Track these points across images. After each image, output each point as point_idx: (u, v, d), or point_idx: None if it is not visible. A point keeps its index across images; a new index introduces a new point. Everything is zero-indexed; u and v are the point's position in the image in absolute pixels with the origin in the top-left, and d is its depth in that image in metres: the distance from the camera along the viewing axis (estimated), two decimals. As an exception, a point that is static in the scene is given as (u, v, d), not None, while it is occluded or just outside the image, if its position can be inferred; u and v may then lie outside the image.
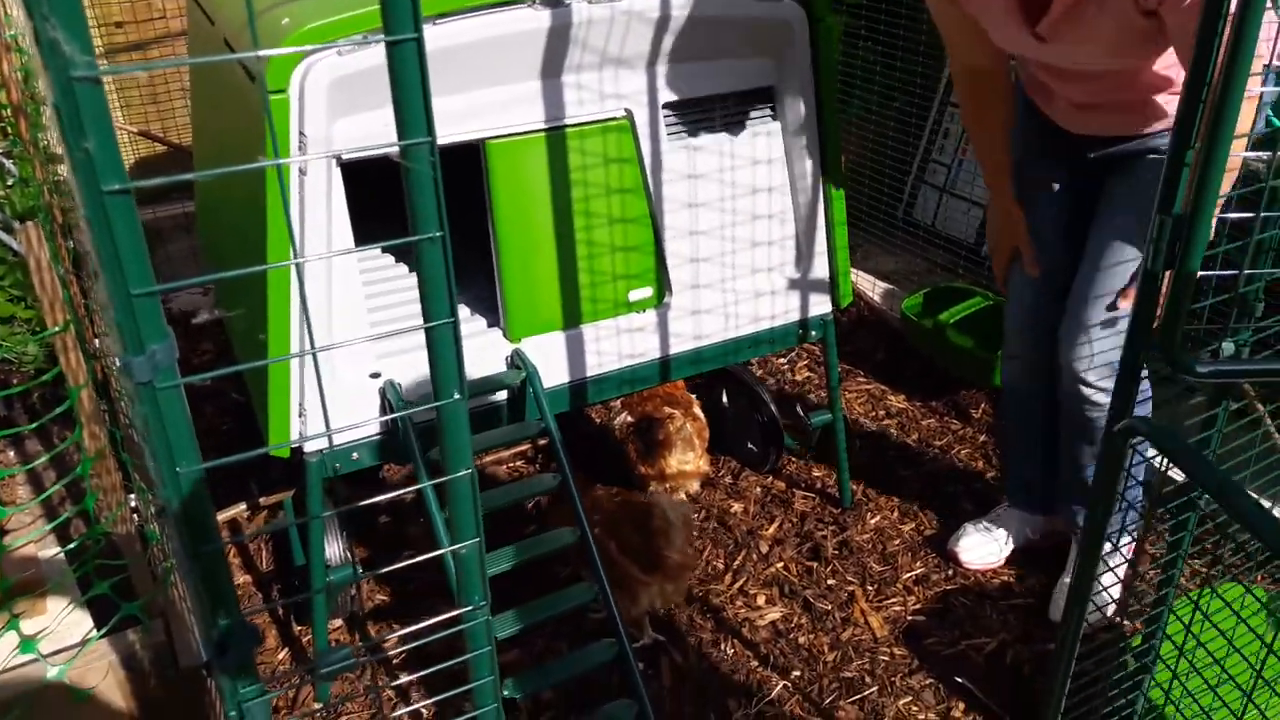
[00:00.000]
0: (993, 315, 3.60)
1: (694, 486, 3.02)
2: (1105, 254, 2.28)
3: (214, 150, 2.79)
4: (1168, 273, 1.26)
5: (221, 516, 2.79)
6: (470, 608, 0.96)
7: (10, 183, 3.57)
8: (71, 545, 1.79)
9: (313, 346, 2.05)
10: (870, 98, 4.50)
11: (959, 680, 2.54)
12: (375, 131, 2.06)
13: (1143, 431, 1.29)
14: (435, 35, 2.01)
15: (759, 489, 3.23)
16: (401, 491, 3.03)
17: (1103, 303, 2.29)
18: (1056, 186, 2.45)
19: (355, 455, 2.28)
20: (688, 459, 2.85)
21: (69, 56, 0.62)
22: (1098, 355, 2.33)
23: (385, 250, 2.86)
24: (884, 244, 4.56)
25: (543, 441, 2.76)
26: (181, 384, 0.75)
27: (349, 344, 2.16)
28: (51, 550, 2.15)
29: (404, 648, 2.44)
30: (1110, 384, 2.32)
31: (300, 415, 2.16)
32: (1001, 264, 2.61)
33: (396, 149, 0.75)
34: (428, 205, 0.79)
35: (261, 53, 0.93)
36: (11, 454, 3.03)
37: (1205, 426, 1.60)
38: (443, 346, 0.85)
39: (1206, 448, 1.63)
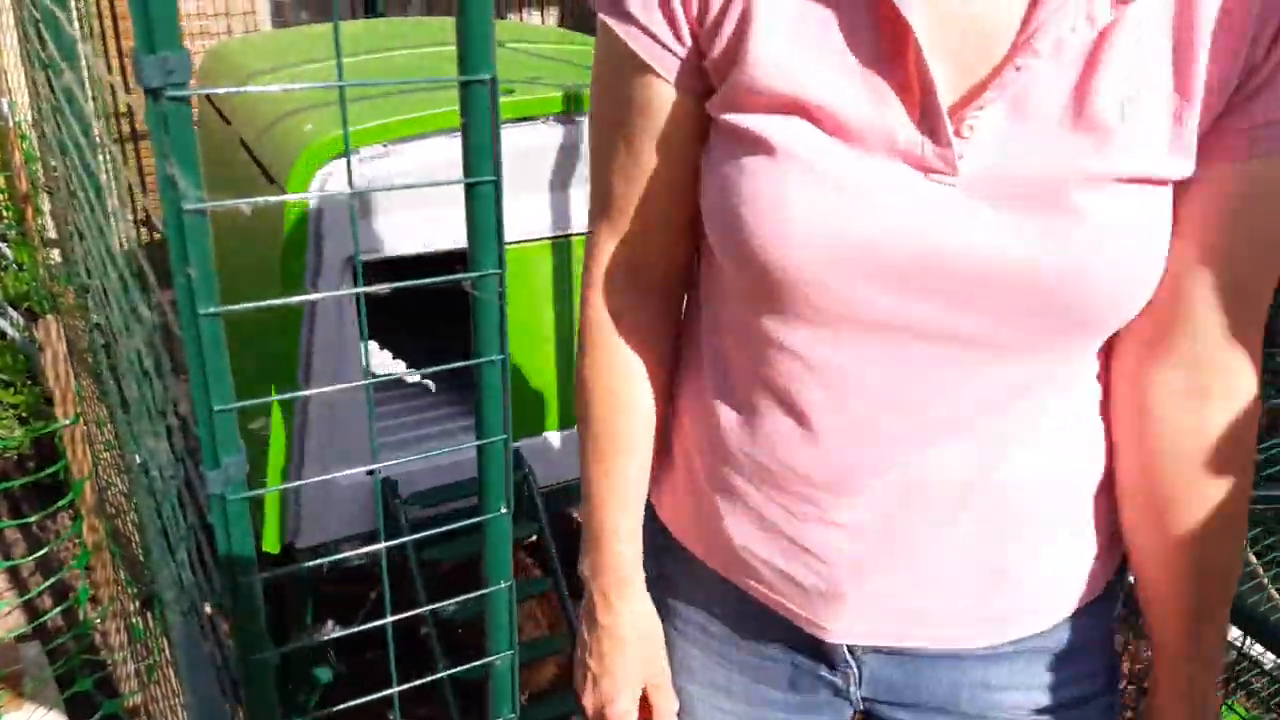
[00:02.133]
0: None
1: None
2: None
3: (224, 250, 2.84)
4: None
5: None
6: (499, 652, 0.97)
7: (5, 265, 3.59)
8: (69, 635, 1.76)
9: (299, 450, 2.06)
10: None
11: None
12: (391, 232, 2.12)
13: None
14: (455, 145, 2.09)
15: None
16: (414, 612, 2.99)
17: None
18: None
19: (348, 553, 2.27)
20: None
21: (183, 191, 0.67)
22: None
23: (388, 350, 2.90)
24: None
25: (532, 539, 2.77)
26: (249, 497, 0.78)
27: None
28: (30, 645, 2.10)
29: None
30: None
31: (295, 511, 2.16)
32: None
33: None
34: (491, 331, 0.83)
35: (328, 193, 0.98)
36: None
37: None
38: (494, 463, 0.88)
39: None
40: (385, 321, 2.83)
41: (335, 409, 2.17)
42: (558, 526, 3.42)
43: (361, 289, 0.79)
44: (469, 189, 0.79)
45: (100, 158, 1.51)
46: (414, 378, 2.85)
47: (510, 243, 2.25)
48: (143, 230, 4.84)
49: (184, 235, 0.68)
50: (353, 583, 3.06)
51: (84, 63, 1.56)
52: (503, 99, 2.14)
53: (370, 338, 2.70)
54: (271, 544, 2.14)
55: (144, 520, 2.00)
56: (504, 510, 0.91)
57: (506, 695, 0.97)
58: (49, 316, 1.76)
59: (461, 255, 2.21)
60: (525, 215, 2.25)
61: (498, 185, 0.80)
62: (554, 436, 2.45)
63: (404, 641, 2.87)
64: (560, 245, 2.30)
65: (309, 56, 2.63)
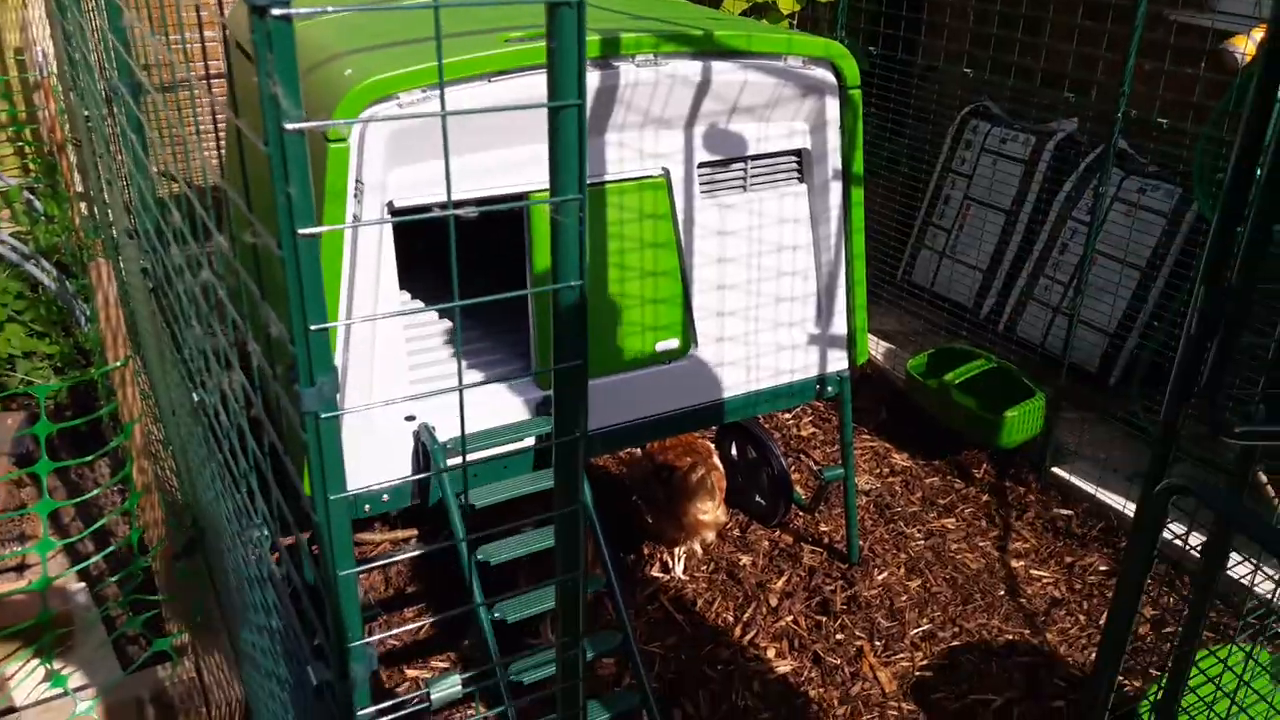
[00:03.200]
0: (996, 377, 3.68)
1: (711, 535, 3.05)
2: None
3: (259, 197, 2.84)
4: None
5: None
6: (568, 638, 1.00)
7: (36, 217, 3.61)
8: (115, 578, 1.80)
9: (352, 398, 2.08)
10: (877, 162, 4.63)
11: (970, 737, 2.57)
12: (427, 179, 2.12)
13: (1189, 490, 1.35)
14: (491, 92, 2.09)
15: (767, 542, 3.27)
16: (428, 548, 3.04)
17: None
18: None
19: (385, 498, 2.31)
20: (707, 508, 2.88)
21: (286, 110, 0.68)
22: None
23: (422, 301, 2.91)
24: (885, 305, 4.66)
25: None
26: (342, 414, 0.80)
27: (420, 395, 2.19)
28: (78, 586, 2.15)
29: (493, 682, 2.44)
30: None
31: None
32: None
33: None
34: (571, 256, 0.85)
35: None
36: (27, 490, 3.03)
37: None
38: (570, 388, 0.90)
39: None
40: (411, 280, 2.84)
41: (374, 355, 2.19)
42: (592, 475, 3.47)
43: (452, 212, 0.80)
44: (554, 113, 0.80)
45: (152, 104, 1.52)
46: (418, 304, 2.86)
47: (542, 190, 2.25)
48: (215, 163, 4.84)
49: (285, 154, 0.70)
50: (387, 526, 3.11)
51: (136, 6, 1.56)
52: (539, 44, 2.13)
53: (403, 289, 2.71)
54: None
55: (190, 464, 2.03)
56: (578, 434, 0.93)
57: (575, 617, 1.00)
58: (100, 260, 1.78)
59: (492, 202, 2.21)
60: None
61: (582, 110, 0.81)
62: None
63: (440, 581, 2.92)
64: (595, 193, 2.30)
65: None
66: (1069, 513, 3.41)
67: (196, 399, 1.42)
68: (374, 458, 2.24)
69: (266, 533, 1.16)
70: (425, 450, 2.28)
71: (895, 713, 2.66)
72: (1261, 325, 1.45)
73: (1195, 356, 1.36)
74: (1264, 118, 1.22)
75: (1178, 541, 1.67)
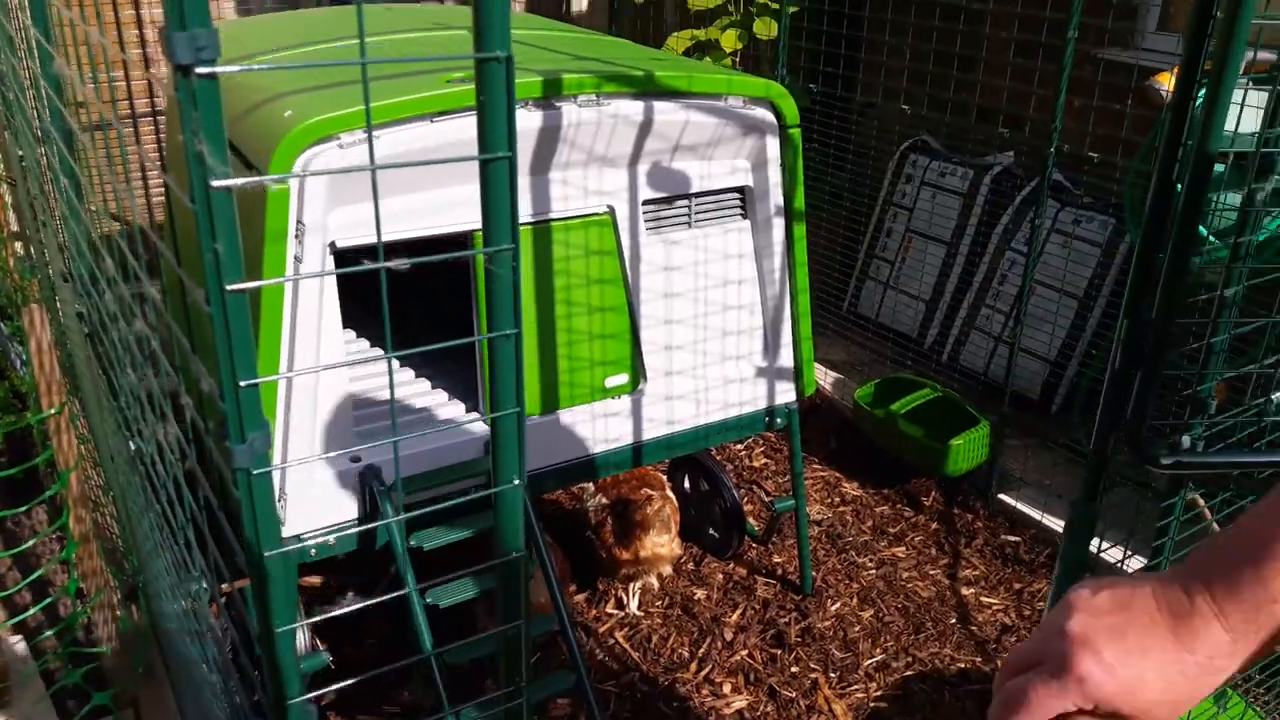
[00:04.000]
0: (941, 406, 3.74)
1: (666, 569, 3.05)
2: None
3: (188, 249, 2.81)
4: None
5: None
6: (511, 688, 0.99)
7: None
8: (53, 630, 1.75)
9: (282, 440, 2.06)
10: (820, 196, 4.71)
11: (924, 766, 2.58)
12: (369, 218, 2.12)
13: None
14: (433, 132, 2.10)
15: (721, 575, 3.27)
16: (387, 596, 2.99)
17: None
18: None
19: (331, 541, 2.27)
20: (662, 541, 2.88)
21: (212, 167, 0.68)
22: None
23: (361, 335, 2.89)
24: (831, 336, 4.72)
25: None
26: (272, 470, 0.79)
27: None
28: (15, 639, 2.08)
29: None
30: None
31: (280, 501, 2.15)
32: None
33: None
34: (506, 305, 0.86)
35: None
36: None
37: (1162, 517, 1.71)
38: (508, 435, 0.90)
39: (1164, 536, 1.74)
40: (358, 314, 2.82)
41: (317, 397, 2.17)
42: (546, 510, 3.45)
43: (381, 264, 0.80)
44: (485, 165, 0.81)
45: (84, 144, 1.50)
46: (355, 339, 2.84)
47: (490, 228, 2.26)
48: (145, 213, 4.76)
49: (211, 210, 0.70)
50: (330, 572, 3.06)
51: (71, 50, 1.54)
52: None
53: (350, 324, 2.69)
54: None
55: (130, 511, 1.99)
56: (517, 482, 0.93)
57: (519, 664, 0.99)
58: (33, 305, 1.74)
59: (435, 242, 2.20)
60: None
61: (513, 162, 0.82)
62: (535, 422, 2.47)
63: (390, 628, 2.87)
64: (540, 230, 2.31)
65: (301, 39, 2.61)
66: (1016, 539, 3.46)
67: (133, 448, 1.39)
68: (320, 502, 2.21)
69: (204, 585, 1.14)
70: (372, 493, 2.25)
71: (850, 744, 2.67)
72: (1192, 353, 1.50)
73: (1121, 387, 1.40)
74: (1174, 150, 1.27)
75: (1119, 565, 1.70)
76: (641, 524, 2.86)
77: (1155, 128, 3.29)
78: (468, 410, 2.51)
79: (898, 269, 4.77)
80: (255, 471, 0.77)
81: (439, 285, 2.80)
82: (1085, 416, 3.83)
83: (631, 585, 3.09)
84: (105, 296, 1.32)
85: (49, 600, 2.06)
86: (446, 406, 2.56)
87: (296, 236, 2.03)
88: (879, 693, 2.83)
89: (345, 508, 2.25)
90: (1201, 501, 2.72)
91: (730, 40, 4.72)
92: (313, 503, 2.20)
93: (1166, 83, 3.16)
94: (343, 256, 2.16)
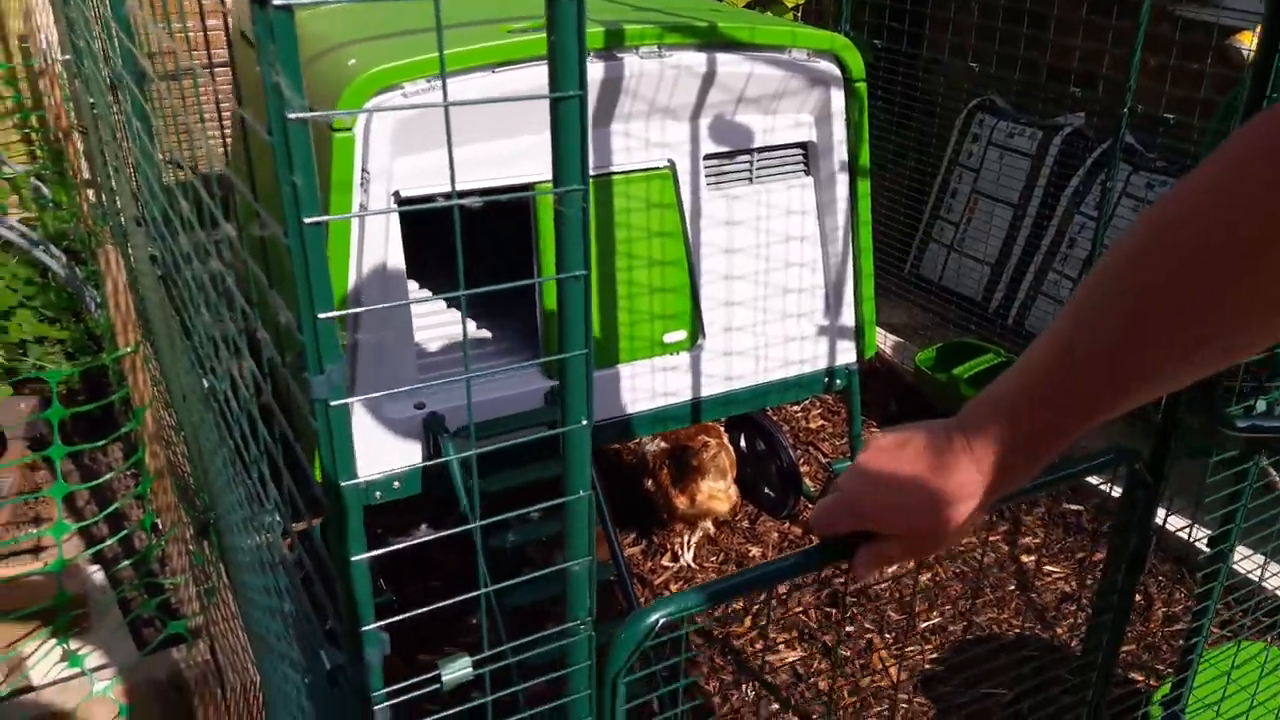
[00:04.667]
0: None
1: (723, 511, 3.06)
2: None
3: (264, 186, 2.86)
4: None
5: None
6: (578, 622, 1.01)
7: (45, 204, 3.63)
8: (129, 561, 1.82)
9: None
10: (884, 155, 4.63)
11: (976, 728, 2.58)
12: (433, 168, 2.13)
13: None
14: (495, 83, 2.10)
15: (776, 534, 3.28)
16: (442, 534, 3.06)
17: None
18: None
19: (396, 484, 2.33)
20: (719, 486, 2.90)
21: (289, 99, 0.69)
22: None
23: (423, 287, 2.92)
24: (893, 298, 4.66)
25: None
26: (351, 402, 0.81)
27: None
28: (93, 569, 2.17)
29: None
30: None
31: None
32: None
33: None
34: (575, 247, 0.86)
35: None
36: (41, 474, 3.06)
37: (1235, 482, 1.67)
38: (575, 376, 0.91)
39: (1235, 503, 1.70)
40: (419, 267, 2.85)
41: (383, 343, 2.21)
42: (602, 459, 3.48)
43: (455, 203, 0.81)
44: (555, 104, 0.81)
45: (157, 92, 1.53)
46: (426, 292, 2.87)
47: (548, 181, 2.26)
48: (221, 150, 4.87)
49: (289, 143, 0.71)
50: (396, 514, 3.13)
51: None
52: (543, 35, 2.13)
53: (412, 280, 2.72)
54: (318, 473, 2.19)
55: (202, 449, 2.05)
56: (585, 421, 0.94)
57: (584, 599, 1.01)
58: (108, 246, 1.80)
59: (498, 193, 2.21)
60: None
61: (583, 101, 0.81)
62: (595, 375, 2.48)
63: (457, 566, 2.94)
64: (601, 183, 2.31)
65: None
66: (1078, 508, 3.41)
67: (207, 385, 1.43)
68: (385, 445, 2.26)
69: (279, 518, 1.17)
70: (436, 439, 2.29)
71: (905, 705, 2.67)
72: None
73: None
74: (1257, 109, 1.22)
75: (1182, 534, 1.67)
76: (699, 469, 2.87)
77: (1235, 88, 3.16)
78: (529, 362, 2.54)
79: (962, 231, 4.67)
80: (333, 403, 0.79)
81: (501, 237, 2.81)
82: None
83: (687, 538, 3.11)
84: (179, 238, 1.35)
85: (125, 533, 2.14)
86: (508, 357, 2.58)
87: (362, 185, 2.05)
88: (934, 655, 2.82)
89: (409, 454, 2.29)
90: (1275, 472, 2.64)
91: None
92: (378, 446, 2.25)
93: (1248, 42, 3.03)
94: (406, 205, 2.19)
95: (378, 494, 2.28)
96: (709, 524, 3.07)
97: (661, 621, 1.14)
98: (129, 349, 1.85)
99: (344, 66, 2.03)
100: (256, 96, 2.63)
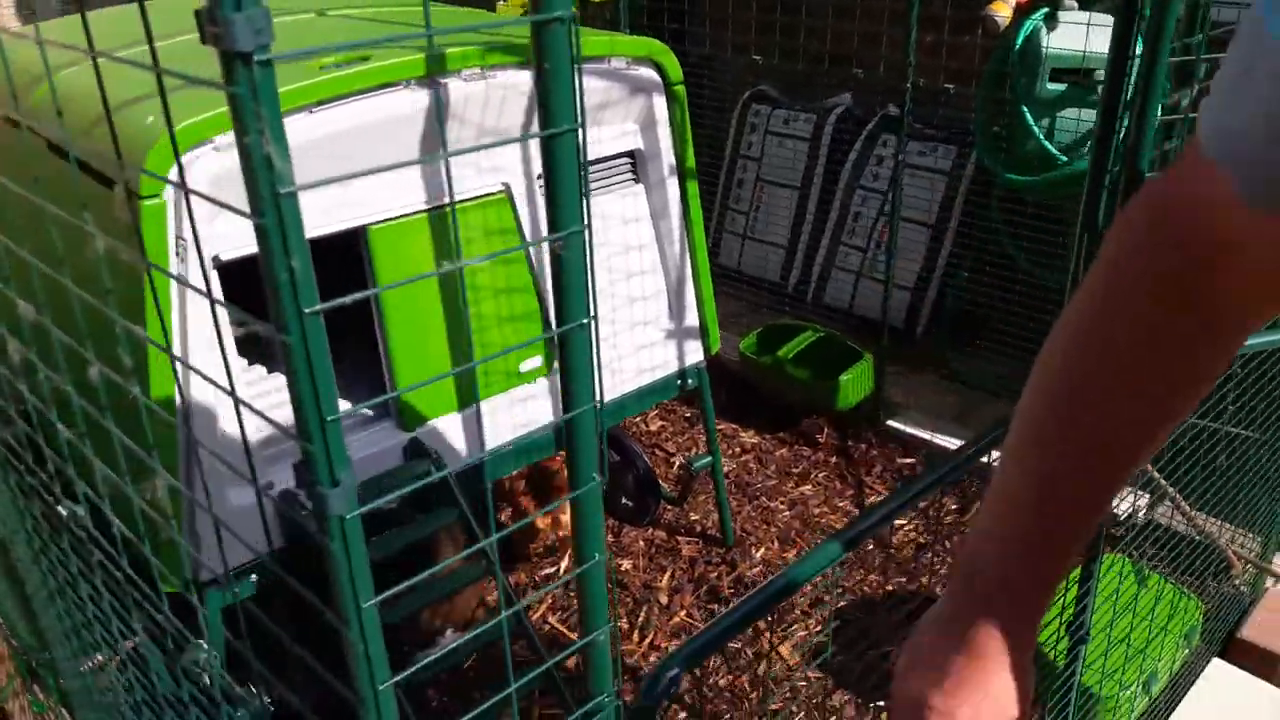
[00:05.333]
0: (822, 346, 3.84)
1: None
2: None
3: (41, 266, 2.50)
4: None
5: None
6: (603, 695, 0.93)
7: None
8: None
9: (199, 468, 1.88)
10: (670, 154, 4.71)
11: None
12: (248, 227, 1.94)
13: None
14: (314, 123, 1.94)
15: (642, 542, 3.26)
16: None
17: None
18: None
19: (254, 577, 2.10)
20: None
21: (281, 172, 0.58)
22: None
23: (244, 354, 2.67)
24: (701, 290, 4.75)
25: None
26: (361, 511, 0.70)
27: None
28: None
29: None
30: None
31: (192, 542, 1.97)
32: None
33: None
34: (579, 292, 0.79)
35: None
36: None
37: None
38: (585, 431, 0.84)
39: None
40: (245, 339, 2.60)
41: (219, 423, 1.99)
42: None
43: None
44: (549, 142, 0.73)
45: None
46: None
47: (380, 221, 2.12)
48: None
49: (283, 223, 0.59)
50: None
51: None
52: (360, 67, 1.99)
53: (249, 345, 2.47)
54: (171, 585, 1.95)
55: (28, 581, 1.77)
56: (597, 478, 0.87)
57: (606, 673, 0.93)
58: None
59: (326, 241, 2.05)
60: (394, 189, 2.12)
61: (577, 135, 0.74)
62: (453, 419, 2.36)
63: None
64: (438, 216, 2.19)
65: (131, 38, 2.34)
66: (911, 460, 3.61)
67: (65, 513, 1.22)
68: (240, 536, 2.03)
69: (211, 652, 1.01)
70: (286, 517, 2.09)
71: (804, 683, 2.73)
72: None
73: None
74: (1120, 75, 1.31)
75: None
76: (560, 489, 2.80)
77: (993, 54, 3.46)
78: (376, 418, 2.37)
79: (753, 219, 4.84)
80: (349, 516, 0.68)
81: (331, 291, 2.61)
82: (953, 339, 4.03)
83: (563, 567, 3.03)
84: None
85: None
86: (359, 413, 2.40)
87: (178, 254, 1.84)
88: (818, 627, 2.90)
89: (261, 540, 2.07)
90: None
91: (559, 4, 4.62)
92: (229, 540, 2.02)
93: (1002, 10, 3.31)
94: (227, 270, 1.98)
95: (236, 591, 2.06)
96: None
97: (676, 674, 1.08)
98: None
99: (140, 125, 1.80)
100: (10, 164, 2.29)
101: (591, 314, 0.80)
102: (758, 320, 4.30)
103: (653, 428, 3.92)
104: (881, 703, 2.64)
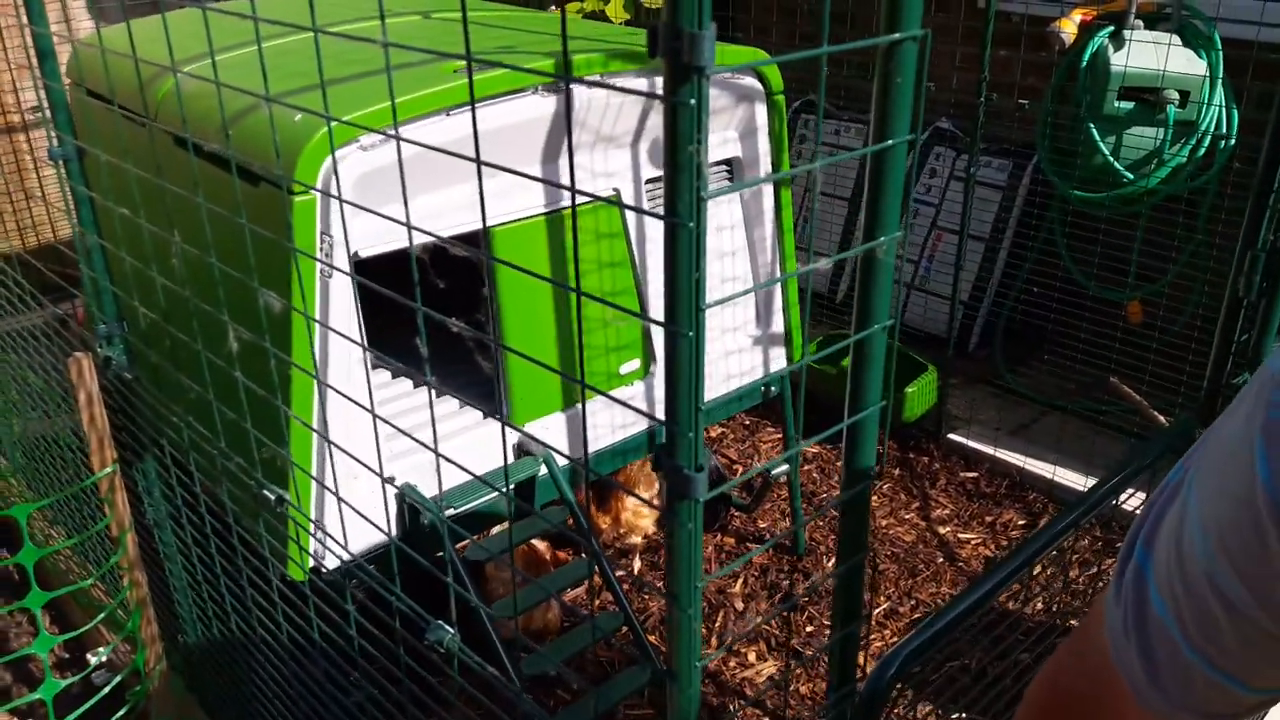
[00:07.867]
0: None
1: (648, 528, 3.02)
2: None
3: (186, 265, 2.54)
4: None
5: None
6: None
7: None
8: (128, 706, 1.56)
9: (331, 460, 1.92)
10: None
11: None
12: (386, 225, 1.98)
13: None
14: (449, 126, 1.98)
15: (711, 548, 3.29)
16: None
17: None
18: None
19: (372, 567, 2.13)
20: (649, 496, 2.89)
21: (707, 177, 0.62)
22: None
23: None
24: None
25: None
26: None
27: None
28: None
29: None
30: None
31: (319, 533, 2.00)
32: None
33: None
34: (884, 297, 0.82)
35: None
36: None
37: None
38: (874, 356, 0.87)
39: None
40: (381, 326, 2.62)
41: (351, 421, 2.02)
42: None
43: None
44: (879, 155, 0.77)
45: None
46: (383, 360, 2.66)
47: (503, 223, 2.16)
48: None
49: (699, 227, 0.63)
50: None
51: None
52: (494, 71, 2.03)
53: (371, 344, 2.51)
54: (297, 571, 1.98)
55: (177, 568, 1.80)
56: (884, 401, 0.90)
57: (857, 600, 0.97)
58: (78, 354, 1.52)
59: (470, 239, 2.08)
60: (516, 192, 2.16)
61: (904, 147, 0.78)
62: (558, 418, 2.39)
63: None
64: (554, 219, 2.23)
65: (239, 40, 2.38)
66: (974, 474, 3.64)
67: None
68: (360, 526, 2.07)
69: (453, 632, 1.05)
70: (409, 512, 2.13)
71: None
72: None
73: (1235, 314, 1.48)
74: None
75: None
76: (627, 482, 2.83)
77: (1057, 71, 3.50)
78: (484, 417, 2.41)
79: (802, 229, 4.88)
80: (702, 499, 0.72)
81: (451, 290, 2.63)
82: (1007, 352, 4.07)
83: (635, 565, 3.06)
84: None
85: (117, 679, 1.79)
86: (460, 415, 2.44)
87: (323, 250, 1.88)
88: (894, 638, 2.93)
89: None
90: None
91: (616, 10, 4.67)
92: (356, 527, 2.05)
93: (1067, 28, 3.36)
94: (363, 267, 2.01)
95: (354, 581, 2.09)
96: (637, 540, 3.04)
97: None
98: (107, 470, 1.58)
99: (288, 123, 1.84)
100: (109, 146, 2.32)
101: (893, 318, 0.83)
102: (813, 332, 4.34)
103: (714, 433, 3.95)
104: None
